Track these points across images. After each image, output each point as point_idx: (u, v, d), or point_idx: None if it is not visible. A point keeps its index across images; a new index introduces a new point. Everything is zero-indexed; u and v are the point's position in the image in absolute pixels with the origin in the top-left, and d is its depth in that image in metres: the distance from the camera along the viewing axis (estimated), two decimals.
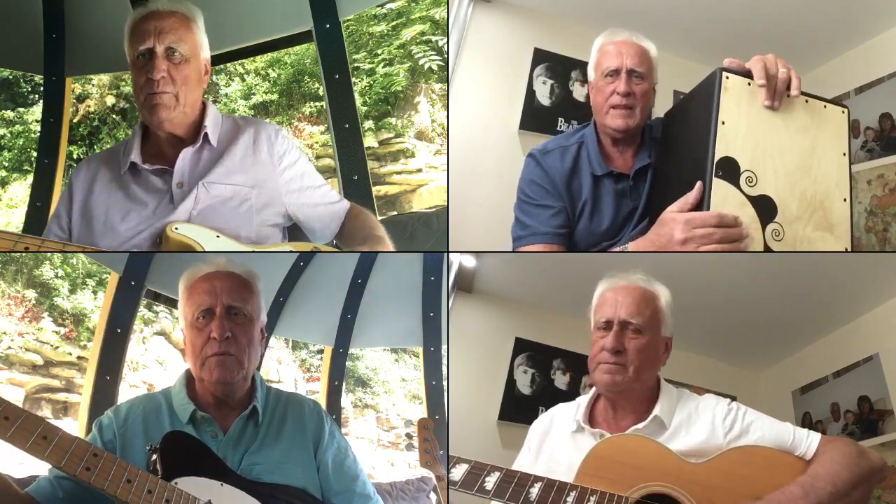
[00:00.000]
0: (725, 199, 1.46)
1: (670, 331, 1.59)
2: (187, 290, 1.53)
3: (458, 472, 1.42)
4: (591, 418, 1.59)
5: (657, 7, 2.79)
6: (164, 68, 1.75)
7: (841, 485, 1.32)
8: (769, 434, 1.46)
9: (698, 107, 1.57)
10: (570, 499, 1.35)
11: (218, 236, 1.72)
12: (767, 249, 1.47)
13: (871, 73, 2.85)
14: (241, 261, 1.59)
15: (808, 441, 1.43)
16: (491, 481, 1.39)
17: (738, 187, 1.48)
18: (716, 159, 1.47)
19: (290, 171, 1.91)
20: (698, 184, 1.48)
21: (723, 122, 1.49)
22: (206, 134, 1.84)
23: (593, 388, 1.63)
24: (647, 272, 1.61)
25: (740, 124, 1.50)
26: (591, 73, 1.87)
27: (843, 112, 1.58)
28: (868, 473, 1.36)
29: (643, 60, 1.80)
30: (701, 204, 1.49)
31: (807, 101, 1.55)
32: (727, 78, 1.51)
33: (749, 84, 1.52)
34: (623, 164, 1.85)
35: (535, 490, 1.37)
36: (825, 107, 1.57)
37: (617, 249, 1.67)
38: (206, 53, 1.88)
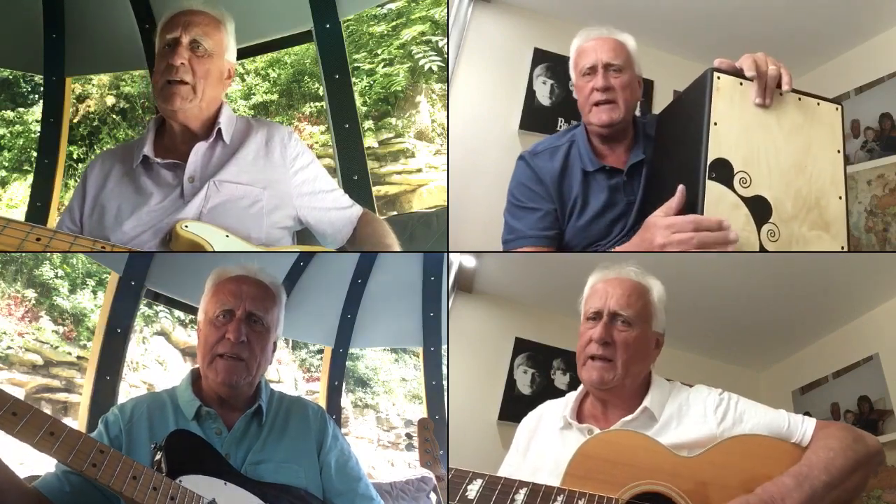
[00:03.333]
0: (719, 200, 1.43)
1: (662, 326, 1.54)
2: (214, 287, 1.55)
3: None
4: (579, 414, 1.55)
5: (657, 7, 2.79)
6: (185, 56, 1.79)
7: (836, 472, 1.28)
8: (763, 422, 1.42)
9: (690, 108, 1.54)
10: None
11: (227, 236, 1.72)
12: (763, 251, 1.44)
13: (871, 73, 2.85)
14: (249, 260, 1.60)
15: (803, 427, 1.39)
16: (473, 489, 1.30)
17: (732, 188, 1.45)
18: (709, 161, 1.44)
19: (302, 174, 1.90)
20: (680, 188, 1.45)
21: (715, 124, 1.46)
22: (219, 130, 1.85)
23: (582, 384, 1.59)
24: (641, 266, 1.57)
25: (733, 125, 1.47)
26: (572, 76, 1.89)
27: (837, 109, 1.55)
28: (864, 459, 1.32)
29: (618, 53, 1.80)
30: (686, 207, 1.46)
31: (799, 99, 1.53)
32: (718, 78, 1.49)
33: (741, 84, 1.50)
34: (616, 160, 1.85)
35: (520, 497, 1.29)
36: (818, 104, 1.54)
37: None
38: (231, 57, 1.90)
